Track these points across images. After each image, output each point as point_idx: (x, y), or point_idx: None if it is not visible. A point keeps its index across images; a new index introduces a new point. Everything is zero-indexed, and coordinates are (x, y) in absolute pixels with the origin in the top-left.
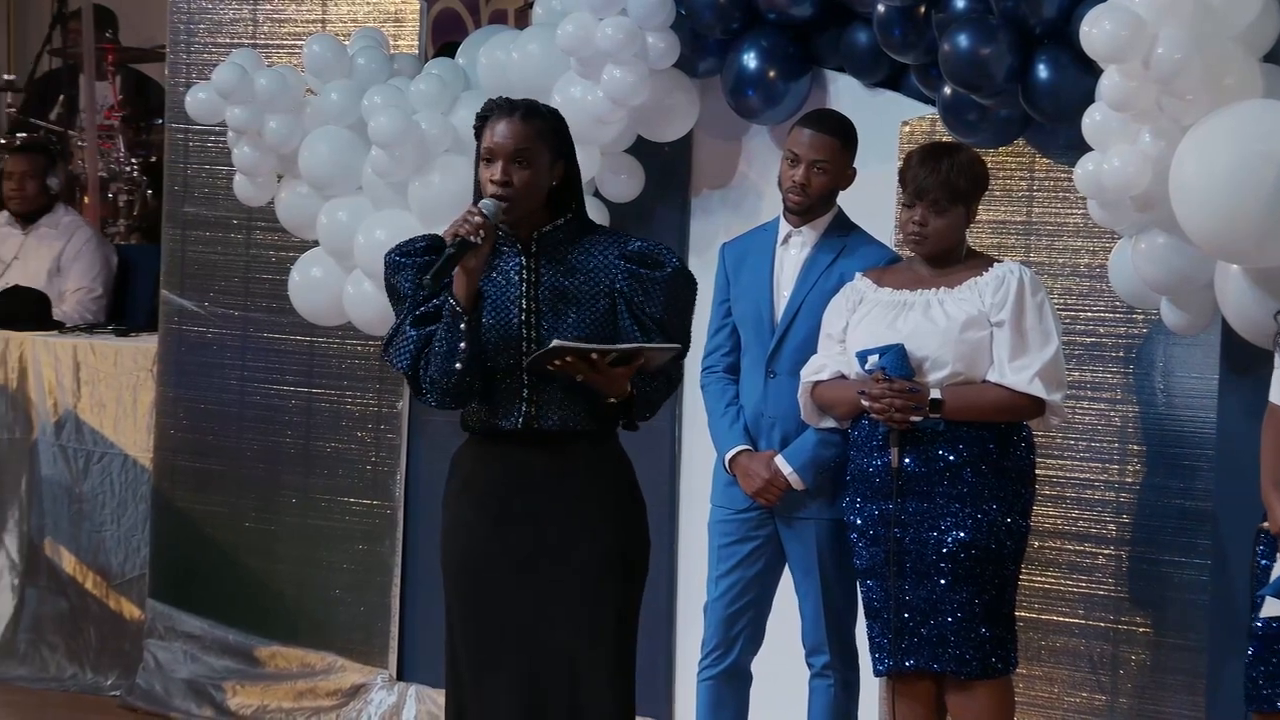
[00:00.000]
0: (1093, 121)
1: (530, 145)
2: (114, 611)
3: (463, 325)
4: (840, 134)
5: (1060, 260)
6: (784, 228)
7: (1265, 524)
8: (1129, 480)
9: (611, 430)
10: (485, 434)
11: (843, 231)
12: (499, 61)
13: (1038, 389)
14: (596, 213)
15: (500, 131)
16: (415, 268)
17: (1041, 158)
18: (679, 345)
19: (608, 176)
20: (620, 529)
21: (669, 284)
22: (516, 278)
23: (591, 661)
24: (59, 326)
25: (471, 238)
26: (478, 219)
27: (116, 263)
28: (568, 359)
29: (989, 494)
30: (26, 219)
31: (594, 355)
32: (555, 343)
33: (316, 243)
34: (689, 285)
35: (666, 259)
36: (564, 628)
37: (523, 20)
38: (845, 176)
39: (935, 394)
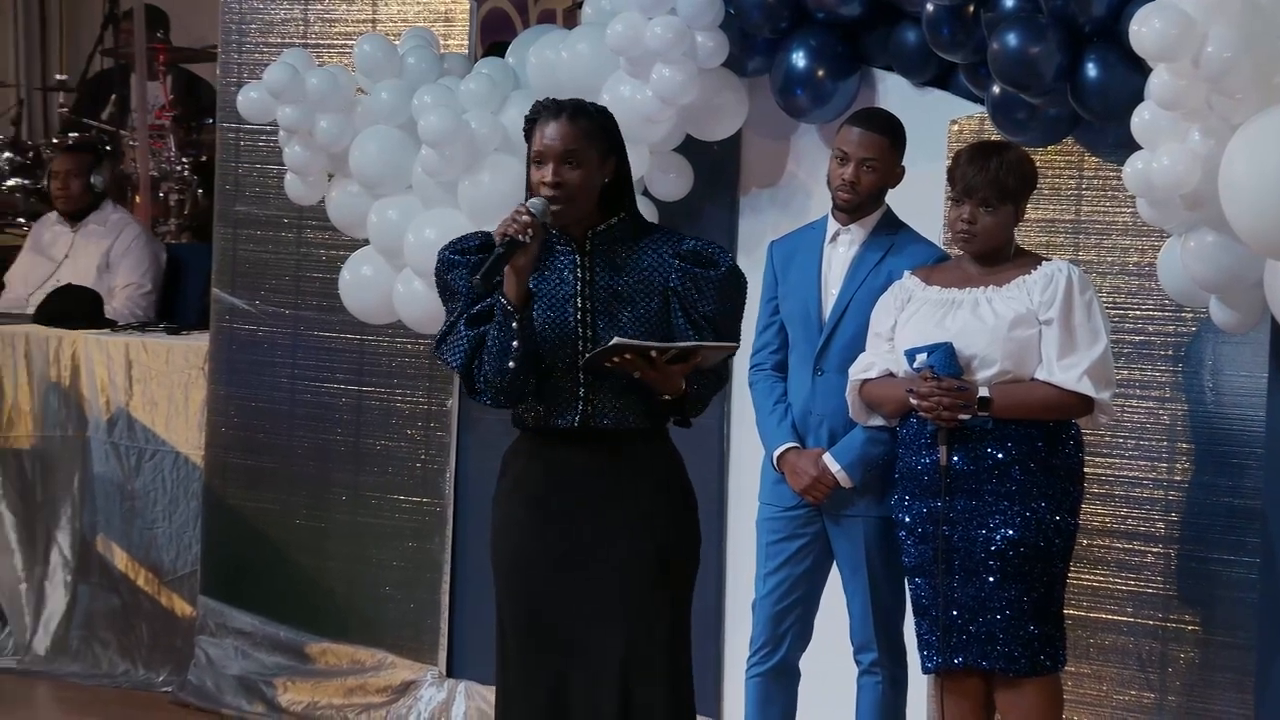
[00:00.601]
0: (1142, 120)
1: (579, 145)
2: (165, 608)
3: (514, 324)
4: (889, 132)
5: (1109, 259)
6: (832, 226)
7: None
8: (1177, 478)
9: (663, 428)
10: (539, 431)
11: (891, 230)
12: (548, 61)
13: (1086, 387)
14: (646, 211)
15: (549, 133)
16: (469, 265)
17: (1090, 156)
18: (735, 344)
19: (657, 175)
20: (672, 528)
21: (722, 283)
22: (571, 276)
23: (645, 661)
24: (111, 325)
25: (520, 237)
26: (525, 218)
27: (165, 259)
28: (626, 356)
29: (1038, 492)
30: (74, 217)
31: (653, 353)
32: (616, 340)
33: (367, 241)
34: (741, 284)
35: (720, 258)
36: (617, 627)
37: (571, 20)
38: (894, 174)
39: (984, 392)
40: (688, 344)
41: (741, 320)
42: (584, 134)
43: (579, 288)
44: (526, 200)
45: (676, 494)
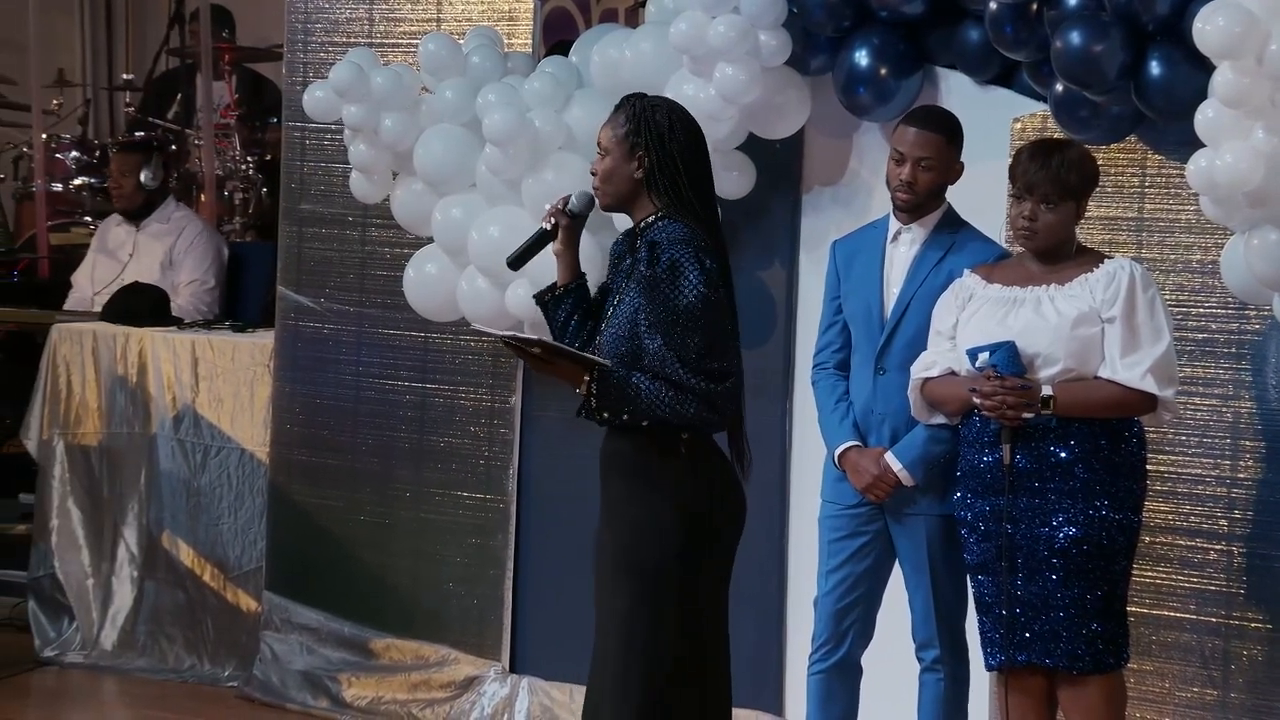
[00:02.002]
0: (1205, 118)
1: (603, 137)
2: (231, 604)
3: (538, 307)
4: (945, 130)
5: (1172, 256)
6: (893, 225)
7: None
8: (1241, 476)
9: (662, 430)
10: None
11: (952, 228)
12: (612, 60)
13: (1150, 385)
14: None
15: None
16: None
17: (1153, 154)
18: (545, 339)
19: (719, 173)
20: (628, 522)
21: (643, 284)
22: (627, 271)
23: (601, 647)
24: (178, 323)
25: (544, 224)
26: (549, 206)
27: (228, 255)
28: (505, 342)
29: (1100, 490)
30: (135, 216)
31: (503, 340)
32: (473, 325)
33: (431, 239)
34: (661, 287)
35: (653, 261)
36: (600, 611)
37: (633, 19)
38: (953, 172)
39: (1047, 390)
40: (515, 333)
41: (672, 325)
42: (609, 126)
43: (624, 282)
44: None
45: (645, 491)
